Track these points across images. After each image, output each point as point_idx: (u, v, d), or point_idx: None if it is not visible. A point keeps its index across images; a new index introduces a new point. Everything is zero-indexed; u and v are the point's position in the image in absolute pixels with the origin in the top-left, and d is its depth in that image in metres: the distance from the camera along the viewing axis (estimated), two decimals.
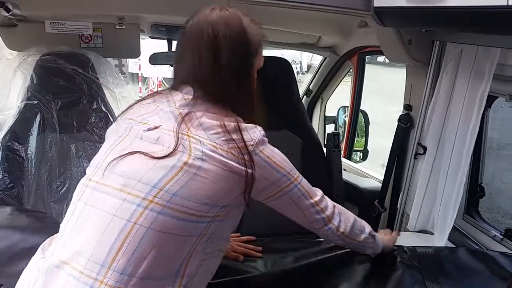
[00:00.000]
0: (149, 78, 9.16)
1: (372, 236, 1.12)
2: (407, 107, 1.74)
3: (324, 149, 2.15)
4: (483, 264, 1.21)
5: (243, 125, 0.92)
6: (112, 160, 0.88)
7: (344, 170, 2.20)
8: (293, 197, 0.98)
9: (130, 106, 1.00)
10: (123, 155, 0.87)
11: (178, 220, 0.83)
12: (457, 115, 1.43)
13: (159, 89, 8.54)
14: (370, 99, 2.97)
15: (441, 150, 1.52)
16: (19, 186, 1.81)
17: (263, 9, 1.61)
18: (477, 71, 1.36)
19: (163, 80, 9.12)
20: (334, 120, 2.75)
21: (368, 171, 2.32)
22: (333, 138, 2.06)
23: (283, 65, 2.06)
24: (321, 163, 2.07)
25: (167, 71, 8.01)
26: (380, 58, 8.84)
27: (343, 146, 2.49)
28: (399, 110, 1.86)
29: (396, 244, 1.25)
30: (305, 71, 9.86)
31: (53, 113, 1.87)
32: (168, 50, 2.31)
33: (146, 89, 9.32)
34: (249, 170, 0.88)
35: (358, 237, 1.09)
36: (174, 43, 2.32)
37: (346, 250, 1.19)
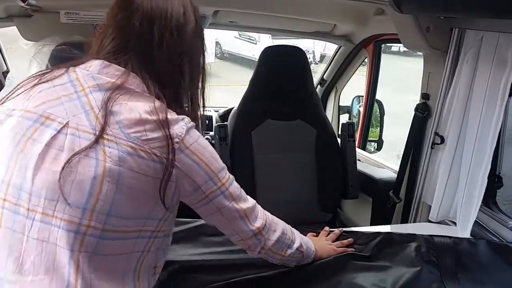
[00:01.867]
0: None
1: (300, 252, 1.02)
2: (425, 96, 1.71)
3: (339, 140, 2.13)
4: (504, 258, 1.18)
5: (170, 117, 0.78)
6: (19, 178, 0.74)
7: (359, 160, 2.19)
8: (218, 205, 0.85)
9: (19, 87, 0.82)
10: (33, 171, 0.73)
11: (115, 240, 0.75)
12: (479, 104, 1.40)
13: None
14: (385, 89, 2.92)
15: (463, 140, 1.50)
16: None
17: None
18: (499, 58, 1.33)
19: None
20: (348, 110, 2.73)
21: (383, 161, 2.29)
22: (348, 128, 2.05)
23: (297, 54, 2.05)
24: (335, 153, 2.06)
25: None
26: (395, 47, 8.73)
27: (357, 136, 2.47)
28: (414, 100, 1.83)
29: (414, 233, 1.23)
30: (318, 61, 9.78)
31: None
32: None
33: None
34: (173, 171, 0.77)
35: (284, 251, 0.99)
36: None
37: (362, 245, 1.18)
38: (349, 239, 1.20)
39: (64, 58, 1.88)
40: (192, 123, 0.82)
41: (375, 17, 1.90)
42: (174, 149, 0.77)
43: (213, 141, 2.43)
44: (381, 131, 2.59)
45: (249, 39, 11.06)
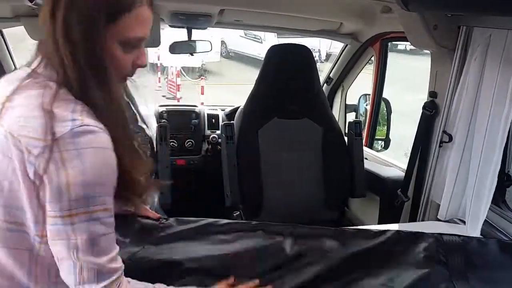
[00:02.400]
0: (168, 67, 9.21)
1: None
2: (432, 94, 1.70)
3: (345, 138, 2.13)
4: None
5: (56, 115, 0.72)
6: None
7: (366, 159, 2.18)
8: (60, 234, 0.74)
9: None
10: None
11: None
12: (488, 102, 1.39)
13: (178, 78, 8.66)
14: (391, 87, 2.91)
15: (471, 138, 1.49)
16: None
17: None
18: (508, 56, 1.32)
19: (181, 70, 9.17)
20: (355, 108, 2.72)
21: (390, 159, 2.28)
22: (355, 126, 2.05)
23: (303, 52, 2.05)
24: (342, 151, 2.06)
25: (186, 60, 8.09)
26: (401, 46, 8.69)
27: (364, 134, 2.46)
28: (421, 99, 1.81)
29: (423, 231, 1.22)
30: (324, 60, 9.76)
31: None
32: (188, 39, 2.31)
33: (165, 78, 9.39)
34: (40, 173, 0.71)
35: None
36: (194, 31, 2.32)
37: (370, 244, 1.17)
38: None
39: None
40: (91, 127, 0.73)
41: (382, 15, 1.89)
42: (42, 148, 0.71)
43: (219, 140, 2.45)
44: (388, 129, 2.58)
45: (254, 38, 11.07)
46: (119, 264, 0.80)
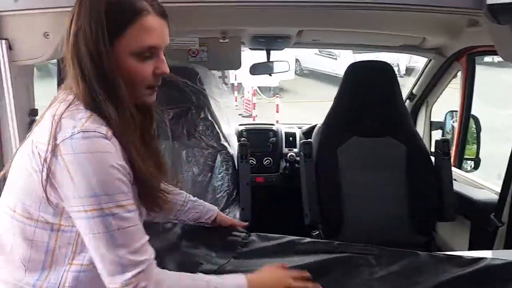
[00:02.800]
0: (243, 87, 9.49)
1: None
2: None
3: (432, 157, 2.02)
4: None
5: (62, 124, 0.80)
6: None
7: (454, 180, 2.05)
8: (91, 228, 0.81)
9: None
10: None
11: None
12: None
13: (254, 97, 8.90)
14: (479, 101, 2.72)
15: None
16: None
17: (362, 13, 1.58)
18: None
19: (257, 89, 9.41)
20: (441, 126, 2.58)
21: (481, 181, 2.12)
22: (442, 145, 1.95)
23: (384, 69, 2.01)
24: (428, 172, 1.96)
25: (264, 80, 8.29)
26: (488, 58, 8.07)
27: (452, 154, 2.32)
28: (511, 114, 1.67)
29: None
30: (404, 74, 9.39)
31: (166, 122, 2.04)
32: (267, 60, 2.39)
33: (241, 97, 9.68)
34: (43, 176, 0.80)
35: None
36: (273, 52, 2.40)
37: (463, 272, 1.09)
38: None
39: (163, 81, 2.04)
40: (92, 132, 0.80)
41: (468, 28, 1.80)
42: (47, 155, 0.80)
43: (297, 158, 2.47)
44: (478, 148, 2.40)
45: (329, 54, 11.01)
46: (143, 256, 0.83)
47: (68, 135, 0.79)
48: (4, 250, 0.90)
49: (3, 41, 1.32)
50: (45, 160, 0.80)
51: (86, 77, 0.84)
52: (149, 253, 0.85)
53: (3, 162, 1.44)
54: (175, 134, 2.04)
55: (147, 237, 0.86)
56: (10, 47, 1.34)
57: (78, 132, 0.79)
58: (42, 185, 0.81)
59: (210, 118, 2.09)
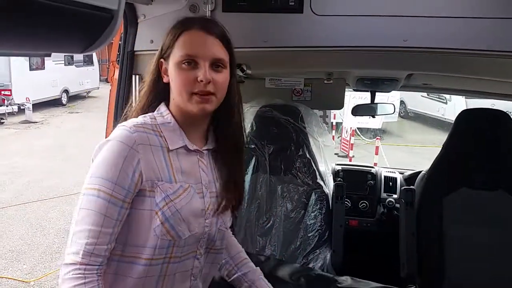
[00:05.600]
0: (342, 126, 9.40)
1: None
2: None
3: None
4: None
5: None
6: None
7: None
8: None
9: None
10: None
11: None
12: None
13: (352, 138, 8.74)
14: None
15: None
16: (233, 219, 2.09)
17: (477, 59, 1.50)
18: None
19: (356, 130, 9.23)
20: None
21: None
22: None
23: (499, 118, 1.86)
24: None
25: (364, 120, 8.13)
26: None
27: None
28: None
29: None
30: None
31: (266, 157, 2.12)
32: (371, 101, 2.37)
33: (338, 137, 9.58)
34: None
35: None
36: (378, 94, 2.37)
37: None
38: None
39: (266, 118, 2.16)
40: (126, 131, 0.98)
41: None
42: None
43: (397, 205, 2.35)
44: None
45: (438, 97, 10.42)
46: (77, 259, 0.94)
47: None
48: None
49: (137, 76, 1.54)
50: None
51: (148, 92, 1.10)
52: (83, 259, 0.94)
53: None
54: (273, 168, 2.10)
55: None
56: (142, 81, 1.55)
57: (116, 130, 1.02)
58: None
59: (308, 155, 2.12)
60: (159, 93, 1.07)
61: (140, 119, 1.03)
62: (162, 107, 1.06)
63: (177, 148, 1.04)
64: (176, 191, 1.01)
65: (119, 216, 0.96)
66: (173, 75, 1.03)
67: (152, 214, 0.98)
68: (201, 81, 1.00)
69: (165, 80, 1.06)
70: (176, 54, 1.02)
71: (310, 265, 1.92)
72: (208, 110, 1.02)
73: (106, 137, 1.60)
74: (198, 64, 1.01)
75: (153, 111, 1.06)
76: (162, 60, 1.06)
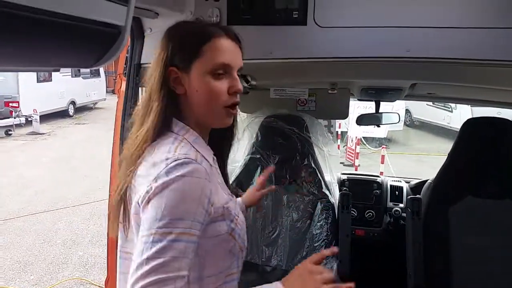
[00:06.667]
0: (347, 136, 9.39)
1: None
2: None
3: None
4: None
5: (157, 157, 0.87)
6: None
7: None
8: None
9: None
10: None
11: None
12: None
13: (358, 147, 8.73)
14: None
15: None
16: None
17: (482, 68, 1.51)
18: None
19: (362, 139, 9.22)
20: None
21: None
22: None
23: (505, 126, 1.85)
24: None
25: (369, 130, 8.11)
26: None
27: None
28: None
29: None
30: None
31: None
32: (376, 111, 2.37)
33: (343, 146, 9.57)
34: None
35: None
36: (382, 104, 2.37)
37: None
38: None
39: (271, 128, 2.17)
40: (177, 164, 0.85)
41: None
42: (143, 201, 0.86)
43: (403, 214, 2.34)
44: None
45: (444, 106, 10.39)
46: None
47: (159, 172, 0.88)
48: None
49: (144, 89, 1.55)
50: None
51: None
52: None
53: None
54: (278, 178, 2.11)
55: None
56: None
57: (167, 164, 0.87)
58: None
59: (313, 165, 2.13)
60: (174, 107, 0.95)
61: (181, 144, 0.91)
62: (179, 123, 0.95)
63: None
64: (234, 206, 0.98)
65: (193, 253, 0.85)
66: (200, 86, 0.92)
67: (226, 237, 0.93)
68: (235, 92, 0.94)
69: (179, 91, 0.94)
70: (206, 62, 0.92)
71: None
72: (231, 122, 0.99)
73: (114, 149, 1.62)
74: (229, 74, 0.94)
75: (167, 130, 0.94)
76: (174, 68, 0.93)
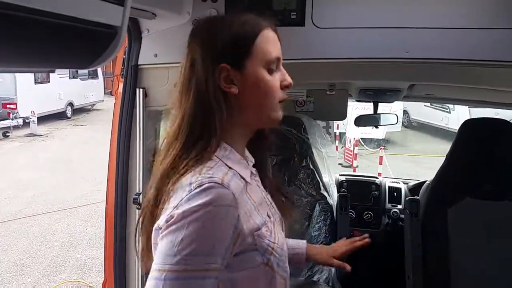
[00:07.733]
0: (346, 137, 9.40)
1: None
2: None
3: None
4: None
5: (186, 178, 0.78)
6: None
7: None
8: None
9: None
10: None
11: None
12: None
13: (356, 148, 8.74)
14: None
15: None
16: None
17: (481, 69, 1.51)
18: None
19: (360, 140, 9.23)
20: None
21: None
22: None
23: (503, 127, 1.85)
24: None
25: (368, 131, 8.13)
26: None
27: None
28: None
29: None
30: None
31: (269, 168, 2.12)
32: (374, 112, 2.37)
33: (342, 147, 9.57)
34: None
35: None
36: (380, 105, 2.37)
37: None
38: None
39: (269, 129, 2.15)
40: (206, 186, 0.77)
41: None
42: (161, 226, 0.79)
43: (401, 215, 2.34)
44: None
45: (441, 107, 10.42)
46: None
47: (181, 197, 0.79)
48: None
49: (141, 90, 1.55)
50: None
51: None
52: None
53: (127, 193, 1.62)
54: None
55: None
56: (146, 95, 1.56)
57: (192, 189, 0.79)
58: None
59: (311, 166, 2.12)
60: (229, 111, 0.85)
61: (208, 163, 0.81)
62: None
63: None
64: (270, 230, 0.86)
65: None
66: (257, 83, 0.84)
67: (263, 268, 0.83)
68: (287, 86, 0.89)
69: (233, 90, 0.84)
70: (261, 57, 0.84)
71: (315, 278, 1.90)
72: None
73: (111, 150, 1.61)
74: (278, 67, 0.89)
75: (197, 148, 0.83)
76: (227, 66, 0.83)
